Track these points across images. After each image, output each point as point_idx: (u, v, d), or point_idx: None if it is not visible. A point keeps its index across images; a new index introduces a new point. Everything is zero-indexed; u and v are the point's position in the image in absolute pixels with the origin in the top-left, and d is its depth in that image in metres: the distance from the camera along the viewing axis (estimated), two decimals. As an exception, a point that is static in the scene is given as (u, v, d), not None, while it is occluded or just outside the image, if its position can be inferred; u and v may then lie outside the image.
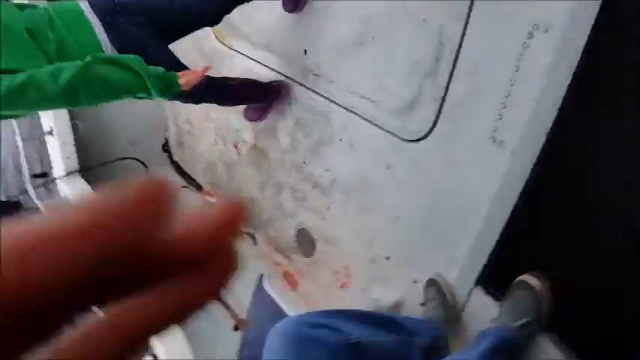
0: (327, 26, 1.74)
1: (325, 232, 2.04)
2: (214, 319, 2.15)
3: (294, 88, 1.99)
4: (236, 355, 1.97)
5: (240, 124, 2.36)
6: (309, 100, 1.94)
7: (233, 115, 2.38)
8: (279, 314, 1.40)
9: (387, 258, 1.71)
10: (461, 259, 1.41)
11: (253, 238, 2.54)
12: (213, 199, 2.72)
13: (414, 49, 1.47)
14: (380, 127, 1.67)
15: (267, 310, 1.46)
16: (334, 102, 1.83)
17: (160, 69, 1.27)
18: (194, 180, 2.88)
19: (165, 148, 2.94)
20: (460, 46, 1.32)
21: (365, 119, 1.72)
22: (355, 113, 1.75)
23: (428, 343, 1.18)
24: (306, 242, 2.18)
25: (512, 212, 1.23)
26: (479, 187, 1.34)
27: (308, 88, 1.93)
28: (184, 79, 1.33)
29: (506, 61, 1.20)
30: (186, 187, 2.85)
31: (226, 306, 2.18)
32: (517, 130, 1.20)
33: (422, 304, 1.53)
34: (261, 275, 1.53)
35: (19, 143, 2.36)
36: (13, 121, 2.30)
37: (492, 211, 1.29)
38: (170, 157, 2.96)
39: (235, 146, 2.46)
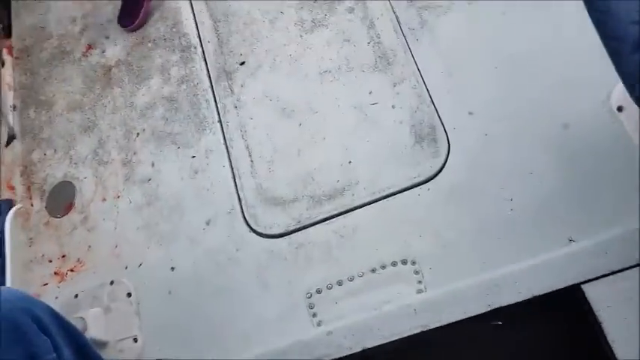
0: (281, 72, 1.64)
1: (92, 211, 1.71)
2: None
3: (202, 73, 1.75)
4: None
5: (115, 36, 1.94)
6: (202, 97, 1.73)
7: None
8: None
9: (129, 295, 1.50)
10: None
11: (10, 138, 1.98)
12: (8, 59, 2.07)
13: (321, 168, 1.48)
14: (237, 187, 1.56)
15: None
16: (222, 124, 1.67)
17: None
18: (9, 20, 2.16)
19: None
20: (352, 210, 1.38)
21: (232, 167, 1.60)
22: (229, 153, 1.62)
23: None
24: (61, 199, 1.79)
25: None
26: (271, 322, 1.34)
27: (212, 88, 1.73)
28: None
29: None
30: None
31: None
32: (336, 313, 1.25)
33: None
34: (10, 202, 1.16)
35: None
36: None
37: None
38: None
39: (89, 47, 1.98)
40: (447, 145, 1.31)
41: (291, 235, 1.45)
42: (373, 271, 1.28)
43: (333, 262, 1.35)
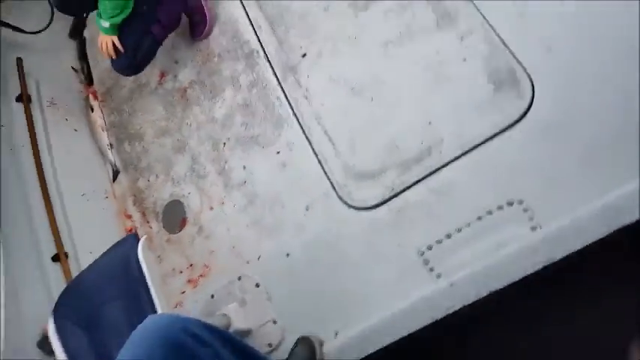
0: (344, 54, 1.71)
1: (204, 221, 1.91)
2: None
3: (268, 73, 1.87)
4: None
5: (183, 58, 2.11)
6: (273, 96, 1.85)
7: (182, 42, 2.12)
8: (141, 296, 1.23)
9: (257, 285, 1.67)
10: (348, 334, 1.45)
11: (115, 174, 2.23)
12: (95, 104, 2.32)
13: (402, 135, 1.55)
14: (325, 171, 1.67)
15: (125, 277, 1.28)
16: (296, 116, 1.78)
17: None
18: (89, 68, 2.41)
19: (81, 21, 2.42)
20: (443, 167, 1.43)
21: (315, 153, 1.71)
22: (310, 142, 1.73)
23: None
24: (174, 216, 2.02)
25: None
26: (390, 286, 1.45)
27: (280, 85, 1.84)
28: None
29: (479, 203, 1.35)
30: (74, 69, 2.37)
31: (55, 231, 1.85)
32: (453, 264, 1.33)
33: (269, 345, 1.53)
34: (140, 238, 1.34)
35: None
36: None
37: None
38: (79, 31, 2.44)
39: (162, 75, 2.17)
40: (529, 84, 1.32)
41: (388, 202, 1.54)
42: (480, 218, 1.34)
43: (436, 219, 1.43)
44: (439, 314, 1.34)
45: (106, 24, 1.77)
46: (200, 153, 2.01)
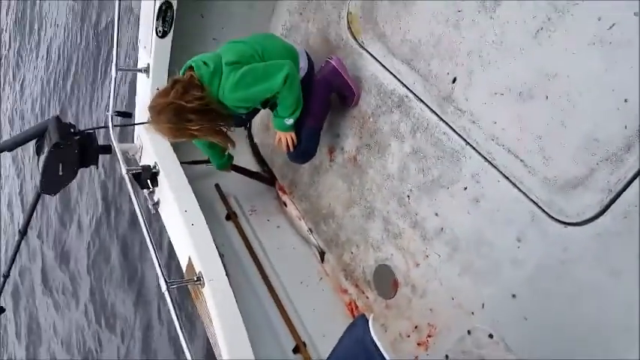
0: (495, 62, 1.73)
1: (414, 279, 2.07)
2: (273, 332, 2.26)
3: (425, 113, 2.00)
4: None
5: (344, 130, 2.40)
6: (439, 133, 1.95)
7: (337, 115, 2.43)
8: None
9: (491, 336, 1.72)
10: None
11: (322, 255, 2.60)
12: (286, 198, 2.79)
13: (598, 125, 1.46)
14: (524, 193, 1.67)
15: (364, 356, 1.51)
16: (471, 145, 1.84)
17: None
18: (270, 170, 2.95)
19: (247, 125, 3.02)
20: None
21: (506, 177, 1.72)
22: (495, 167, 1.76)
23: None
24: (385, 281, 2.22)
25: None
26: (629, 311, 1.34)
27: (442, 120, 1.94)
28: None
29: None
30: (257, 174, 2.93)
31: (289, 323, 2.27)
32: None
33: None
34: (368, 318, 1.58)
35: (113, 73, 2.48)
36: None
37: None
38: (250, 136, 3.04)
39: (330, 151, 2.50)
40: None
41: (610, 207, 1.44)
42: None
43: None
44: None
45: (290, 121, 2.14)
46: (389, 213, 2.21)
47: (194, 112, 1.97)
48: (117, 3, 2.46)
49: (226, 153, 2.59)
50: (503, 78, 1.71)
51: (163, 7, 2.38)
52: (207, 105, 2.00)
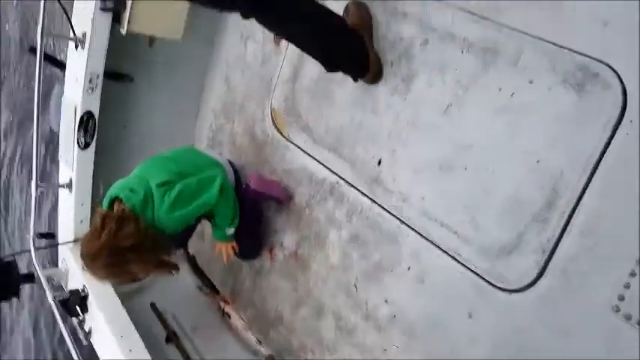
0: (414, 141, 1.87)
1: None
2: None
3: (357, 197, 2.09)
4: None
5: (281, 225, 2.45)
6: (374, 215, 2.03)
7: (273, 212, 2.48)
8: None
9: None
10: None
11: (278, 365, 2.51)
12: (229, 309, 2.73)
13: (517, 189, 1.57)
14: (463, 265, 1.73)
15: None
16: (406, 223, 1.92)
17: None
18: (209, 281, 2.91)
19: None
20: (579, 199, 1.42)
21: (444, 251, 1.79)
22: (432, 242, 1.82)
23: None
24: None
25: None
26: None
27: (374, 202, 2.03)
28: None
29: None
30: (200, 288, 2.88)
31: None
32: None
33: None
34: None
35: (33, 190, 2.45)
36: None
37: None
38: (185, 249, 3.02)
39: (270, 250, 2.52)
40: (607, 69, 1.31)
41: (547, 267, 1.51)
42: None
43: (608, 261, 1.36)
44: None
45: (231, 230, 2.23)
46: (338, 307, 2.19)
47: (132, 249, 1.88)
48: (35, 122, 2.50)
49: None
50: (423, 155, 1.84)
51: (85, 118, 2.43)
52: (145, 237, 1.91)
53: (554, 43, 1.44)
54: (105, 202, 2.01)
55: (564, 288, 1.47)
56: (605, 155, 1.35)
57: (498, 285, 1.63)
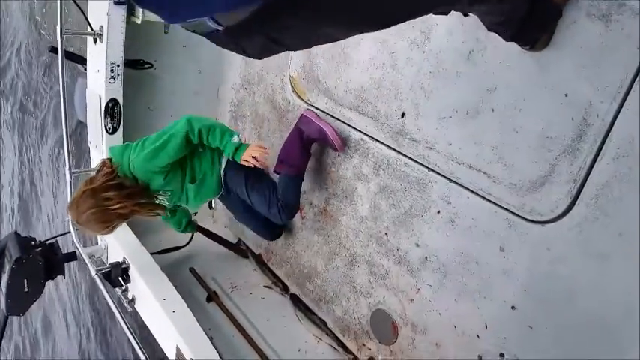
0: (437, 90, 1.79)
1: (412, 316, 1.98)
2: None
3: (383, 151, 2.02)
4: None
5: (309, 185, 2.38)
6: (401, 166, 1.96)
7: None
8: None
9: (502, 355, 1.65)
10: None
11: (323, 324, 2.47)
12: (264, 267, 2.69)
13: (547, 124, 1.50)
14: (494, 203, 1.67)
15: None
16: (434, 170, 1.85)
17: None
18: (243, 243, 2.86)
19: (211, 206, 2.95)
20: (611, 126, 1.35)
21: (474, 192, 1.73)
22: (461, 185, 1.76)
23: None
24: (383, 326, 2.13)
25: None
26: (629, 289, 1.32)
27: (400, 153, 1.96)
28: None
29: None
30: (231, 245, 2.83)
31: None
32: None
33: None
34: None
35: (67, 176, 2.41)
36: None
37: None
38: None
39: (300, 210, 2.46)
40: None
41: (580, 196, 1.45)
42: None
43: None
44: None
45: (235, 139, 2.03)
46: (371, 255, 2.15)
47: (108, 188, 1.92)
48: (63, 112, 2.43)
49: (184, 222, 2.54)
50: (448, 102, 1.76)
51: (110, 105, 2.38)
52: (119, 178, 1.97)
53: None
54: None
55: (598, 214, 1.42)
56: (635, 82, 1.27)
57: (531, 218, 1.58)
